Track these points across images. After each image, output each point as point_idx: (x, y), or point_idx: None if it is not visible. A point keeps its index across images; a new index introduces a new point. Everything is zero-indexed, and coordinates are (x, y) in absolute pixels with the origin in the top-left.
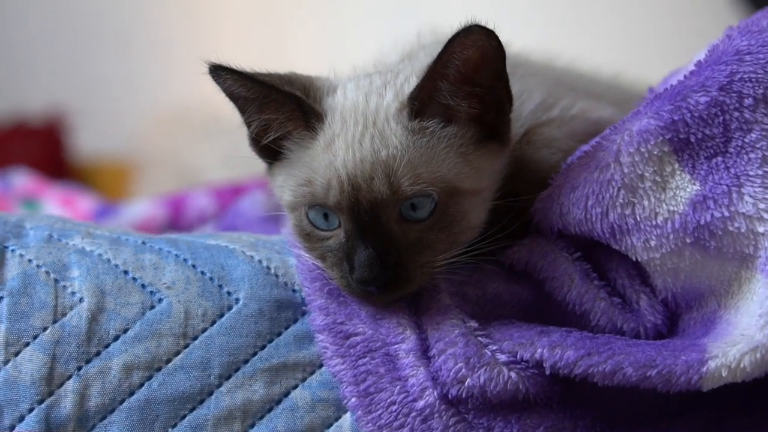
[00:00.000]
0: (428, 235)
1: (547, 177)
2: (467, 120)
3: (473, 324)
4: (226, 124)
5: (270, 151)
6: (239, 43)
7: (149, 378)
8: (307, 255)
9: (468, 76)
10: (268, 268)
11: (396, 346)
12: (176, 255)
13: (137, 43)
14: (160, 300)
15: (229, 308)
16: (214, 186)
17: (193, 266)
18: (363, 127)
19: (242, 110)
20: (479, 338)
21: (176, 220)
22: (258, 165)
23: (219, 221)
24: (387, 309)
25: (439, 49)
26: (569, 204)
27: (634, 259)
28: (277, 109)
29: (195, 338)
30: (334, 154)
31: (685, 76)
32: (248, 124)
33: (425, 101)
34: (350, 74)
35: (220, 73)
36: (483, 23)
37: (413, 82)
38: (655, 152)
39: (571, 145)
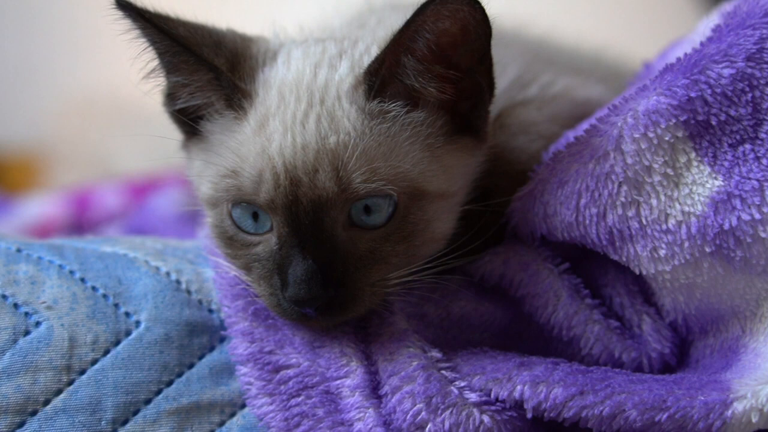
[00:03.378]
0: (383, 247)
1: (527, 169)
2: (436, 107)
3: (435, 354)
4: (144, 110)
5: (189, 119)
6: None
7: (21, 425)
8: (227, 265)
9: (441, 54)
10: (178, 282)
11: (338, 382)
12: (60, 266)
13: (40, 20)
14: (38, 323)
15: (128, 333)
16: (126, 180)
17: (82, 280)
18: (307, 105)
19: (155, 60)
20: (443, 372)
21: (81, 220)
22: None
23: (127, 221)
24: (327, 335)
25: (400, 16)
26: (556, 203)
27: (636, 272)
28: (190, 74)
29: (82, 372)
30: (268, 137)
31: (701, 44)
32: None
33: (386, 79)
34: (296, 36)
35: (125, 11)
36: None
37: (374, 54)
38: (667, 138)
39: (554, 130)
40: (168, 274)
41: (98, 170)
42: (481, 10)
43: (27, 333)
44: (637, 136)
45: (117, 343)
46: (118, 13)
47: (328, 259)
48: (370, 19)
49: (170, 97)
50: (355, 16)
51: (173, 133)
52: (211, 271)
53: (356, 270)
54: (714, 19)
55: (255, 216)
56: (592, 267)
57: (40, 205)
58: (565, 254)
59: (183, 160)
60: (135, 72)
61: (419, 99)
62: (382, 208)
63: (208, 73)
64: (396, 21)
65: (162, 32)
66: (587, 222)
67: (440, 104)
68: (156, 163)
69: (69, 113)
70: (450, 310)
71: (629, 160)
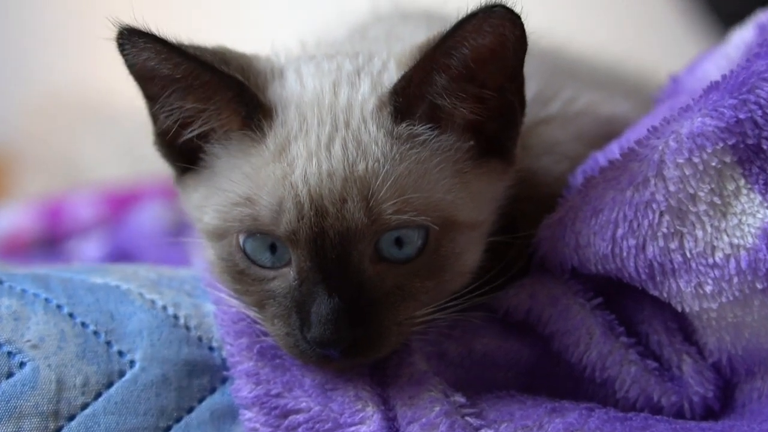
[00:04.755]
0: (412, 282)
1: (553, 193)
2: (462, 128)
3: (459, 398)
4: (115, 111)
5: (185, 153)
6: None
7: None
8: (232, 300)
9: (475, 72)
10: (176, 317)
11: (353, 429)
12: (46, 300)
13: (4, 14)
14: (22, 364)
15: (121, 375)
16: (103, 189)
17: (71, 315)
18: (332, 128)
19: (153, 95)
20: (467, 418)
21: (53, 232)
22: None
23: (106, 236)
24: (341, 376)
25: (412, 28)
26: (590, 233)
27: (678, 309)
28: (208, 96)
29: (71, 418)
30: (290, 163)
31: (748, 60)
32: (156, 115)
33: (412, 98)
34: (298, 53)
35: (135, 40)
36: (509, 3)
37: (393, 71)
38: (713, 163)
39: (579, 150)
40: (165, 308)
41: (65, 176)
42: (521, 27)
43: (10, 375)
44: (680, 161)
45: (109, 385)
46: (128, 43)
47: (354, 297)
48: (377, 31)
49: (163, 134)
50: (358, 28)
51: (147, 136)
52: (212, 305)
53: (383, 308)
54: (749, 31)
55: (272, 248)
56: (626, 302)
57: (7, 217)
58: (596, 288)
59: (176, 189)
60: (104, 70)
61: (447, 120)
62: (412, 241)
63: (227, 92)
64: (409, 33)
65: (184, 55)
66: (624, 254)
67: (466, 125)
68: (129, 169)
69: (33, 114)
70: (472, 347)
71: (672, 188)
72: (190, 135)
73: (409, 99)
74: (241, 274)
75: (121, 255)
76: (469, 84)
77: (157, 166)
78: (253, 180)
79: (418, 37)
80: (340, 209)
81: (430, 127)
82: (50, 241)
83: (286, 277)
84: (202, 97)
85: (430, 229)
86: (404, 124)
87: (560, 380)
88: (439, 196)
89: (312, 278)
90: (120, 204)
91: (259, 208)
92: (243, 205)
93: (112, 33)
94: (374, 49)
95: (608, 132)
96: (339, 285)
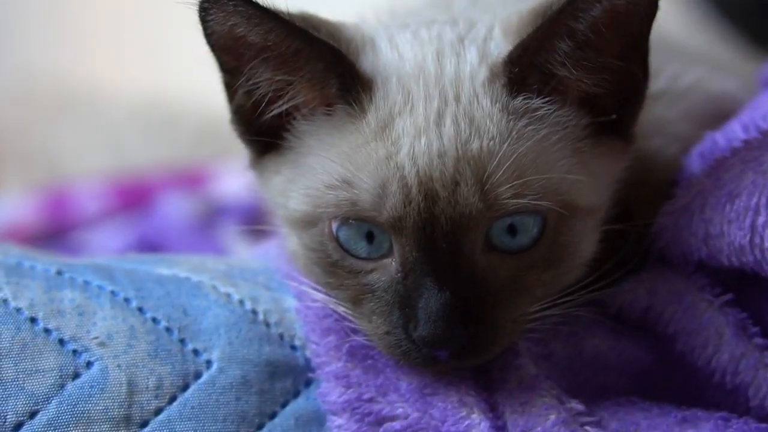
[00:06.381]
0: (527, 275)
1: (667, 177)
2: (581, 103)
3: (576, 405)
4: (100, 103)
5: (265, 131)
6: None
7: None
8: (317, 293)
9: (603, 38)
10: (254, 312)
11: None
12: (112, 292)
13: None
14: (89, 364)
15: (197, 376)
16: (108, 180)
17: (140, 310)
18: (440, 102)
19: (235, 67)
20: (587, 428)
21: (57, 225)
22: (149, 155)
23: (127, 227)
24: (441, 380)
25: None
26: (723, 221)
27: None
28: (300, 66)
29: (144, 425)
30: (395, 142)
31: None
32: (235, 89)
33: (529, 68)
34: (381, 22)
35: (224, 3)
36: None
37: (499, 39)
38: None
39: (689, 130)
40: (242, 302)
41: (45, 168)
42: None
43: (76, 376)
44: None
45: (185, 387)
46: (214, 7)
47: (467, 291)
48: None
49: (242, 110)
50: None
51: (131, 126)
52: (293, 300)
53: (497, 303)
54: None
55: (369, 237)
56: (757, 298)
57: (7, 207)
58: (725, 282)
59: (252, 173)
60: (85, 60)
61: (566, 94)
62: (528, 228)
63: (320, 62)
64: (501, 2)
65: (281, 21)
66: (766, 245)
67: (585, 100)
68: (111, 161)
69: (11, 105)
70: (582, 348)
71: None
72: (275, 111)
73: (526, 69)
74: (333, 266)
75: (147, 246)
76: (596, 52)
77: (140, 158)
78: (351, 160)
79: (509, 5)
80: (452, 193)
81: (548, 101)
82: (54, 233)
83: (387, 269)
84: (293, 68)
85: (548, 216)
86: (520, 98)
87: (680, 386)
88: (558, 178)
89: (419, 270)
90: (131, 195)
91: (359, 191)
92: (339, 188)
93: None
94: (473, 17)
95: (718, 110)
96: (450, 277)
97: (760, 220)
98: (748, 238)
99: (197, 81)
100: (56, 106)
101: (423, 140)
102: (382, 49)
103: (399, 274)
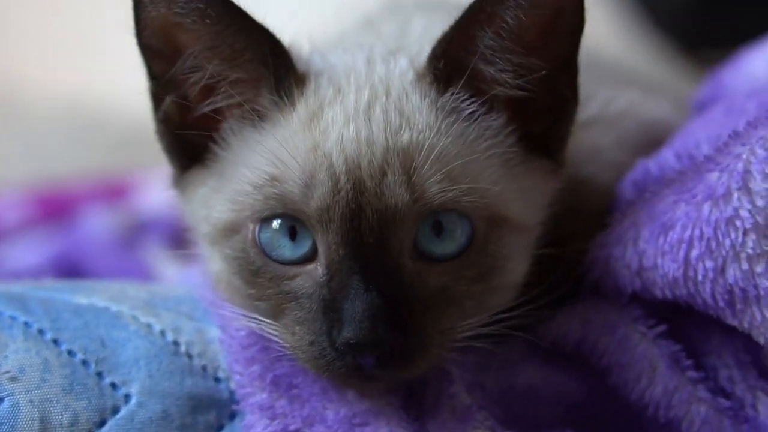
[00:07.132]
0: (456, 285)
1: (600, 206)
2: (510, 115)
3: None
4: (25, 107)
5: (190, 147)
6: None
7: None
8: (240, 318)
9: (524, 31)
10: (176, 343)
11: None
12: (26, 323)
13: None
14: (0, 400)
15: (115, 411)
16: (27, 190)
17: (55, 342)
18: (371, 94)
19: (164, 67)
20: None
21: None
22: (72, 160)
23: (46, 241)
24: (370, 409)
25: (422, 18)
26: (657, 253)
27: (761, 341)
28: (235, 56)
29: None
30: (324, 131)
31: None
32: (162, 94)
33: (451, 62)
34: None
35: None
36: None
37: (428, 51)
38: None
39: (622, 158)
40: (163, 333)
41: None
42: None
43: None
44: None
45: (102, 423)
46: None
47: (394, 294)
48: (390, 27)
49: (168, 119)
50: (369, 20)
51: (53, 130)
52: (216, 330)
53: (425, 312)
54: None
55: (292, 233)
56: (691, 330)
57: None
58: (658, 313)
59: (174, 191)
60: (10, 62)
61: (491, 94)
62: (455, 231)
63: (258, 51)
64: (425, 27)
65: (220, 4)
66: (700, 278)
67: (515, 113)
68: (36, 168)
69: None
70: (514, 379)
71: (760, 202)
72: (206, 109)
73: (450, 63)
74: (255, 275)
75: (67, 262)
76: (516, 46)
77: (62, 164)
78: (278, 154)
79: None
80: (379, 183)
81: (474, 101)
82: None
83: (310, 275)
84: (229, 57)
85: (477, 224)
86: (448, 95)
87: (615, 419)
88: (485, 184)
89: (345, 268)
90: (52, 206)
91: (287, 184)
92: (266, 186)
93: None
94: (407, 35)
95: (651, 137)
96: (377, 277)
97: (694, 252)
98: (682, 271)
99: (123, 83)
100: None
101: (351, 128)
102: (315, 58)
103: (324, 277)
